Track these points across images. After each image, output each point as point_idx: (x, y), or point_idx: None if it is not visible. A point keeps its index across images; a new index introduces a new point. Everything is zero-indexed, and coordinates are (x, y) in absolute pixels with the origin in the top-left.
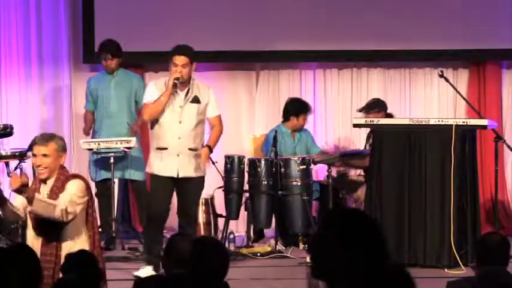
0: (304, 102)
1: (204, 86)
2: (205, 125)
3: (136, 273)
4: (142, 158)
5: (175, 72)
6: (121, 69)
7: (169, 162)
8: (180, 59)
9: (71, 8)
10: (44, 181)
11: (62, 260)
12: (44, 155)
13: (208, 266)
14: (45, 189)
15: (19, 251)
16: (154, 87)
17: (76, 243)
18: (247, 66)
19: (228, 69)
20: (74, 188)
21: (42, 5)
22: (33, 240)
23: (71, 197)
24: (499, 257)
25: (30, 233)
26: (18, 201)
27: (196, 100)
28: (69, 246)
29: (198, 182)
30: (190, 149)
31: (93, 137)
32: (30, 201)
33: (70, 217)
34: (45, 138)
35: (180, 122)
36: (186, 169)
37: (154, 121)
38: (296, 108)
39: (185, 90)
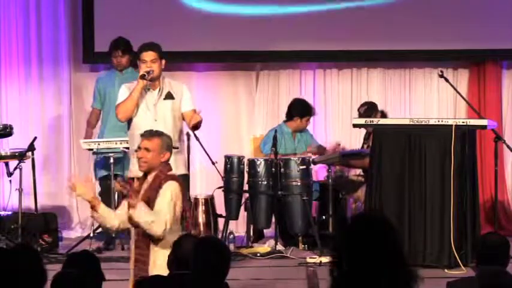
0: (309, 105)
1: (176, 82)
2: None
3: None
4: None
5: (144, 68)
6: (131, 68)
7: None
8: (148, 55)
9: (70, 8)
10: (146, 176)
11: (152, 253)
12: (146, 149)
13: (209, 266)
14: (145, 185)
15: (21, 251)
16: (126, 89)
17: (167, 240)
18: (247, 66)
19: (228, 69)
20: (169, 194)
21: (42, 5)
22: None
23: (169, 206)
24: (499, 257)
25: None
26: (123, 209)
27: (169, 96)
28: (161, 243)
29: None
30: None
31: (99, 135)
32: (133, 207)
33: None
34: (152, 133)
35: (155, 120)
36: None
37: (130, 123)
38: (301, 110)
39: (157, 88)
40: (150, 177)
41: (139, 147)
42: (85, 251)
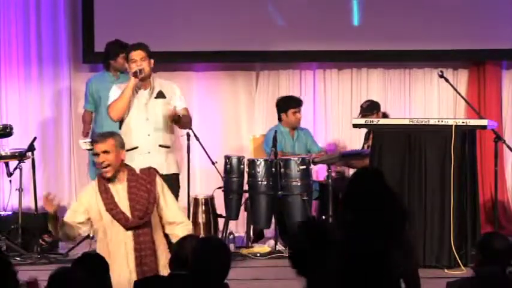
0: (288, 98)
1: (167, 82)
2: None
3: None
4: None
5: (135, 66)
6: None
7: (140, 161)
8: (137, 54)
9: (70, 8)
10: (110, 181)
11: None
12: (105, 152)
13: (209, 266)
14: (119, 190)
15: None
16: (117, 89)
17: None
18: (247, 66)
19: (228, 69)
20: (168, 189)
21: (41, 5)
22: (122, 233)
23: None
24: (499, 257)
25: (116, 229)
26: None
27: (161, 95)
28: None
29: (173, 180)
30: (160, 146)
31: (92, 137)
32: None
33: None
34: (104, 135)
35: (147, 119)
36: (158, 166)
37: (121, 123)
38: (282, 106)
39: (148, 88)
40: (121, 178)
41: (96, 154)
42: (97, 254)
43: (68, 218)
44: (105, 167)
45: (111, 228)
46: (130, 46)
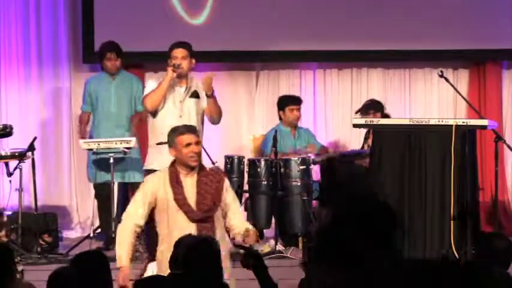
0: (286, 96)
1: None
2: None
3: None
4: (141, 160)
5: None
6: (121, 70)
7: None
8: (179, 51)
9: (70, 8)
10: (183, 173)
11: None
12: (197, 143)
13: (208, 266)
14: (188, 183)
15: None
16: (153, 82)
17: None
18: (247, 66)
19: (228, 69)
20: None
21: (41, 5)
22: (186, 224)
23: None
24: (500, 258)
25: (181, 220)
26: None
27: (195, 95)
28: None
29: None
30: None
31: (91, 138)
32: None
33: None
34: (192, 127)
35: (180, 117)
36: None
37: (154, 115)
38: (280, 104)
39: (184, 86)
40: (193, 172)
41: (188, 144)
42: (95, 252)
43: (131, 213)
44: (196, 157)
45: (176, 218)
46: (172, 44)
